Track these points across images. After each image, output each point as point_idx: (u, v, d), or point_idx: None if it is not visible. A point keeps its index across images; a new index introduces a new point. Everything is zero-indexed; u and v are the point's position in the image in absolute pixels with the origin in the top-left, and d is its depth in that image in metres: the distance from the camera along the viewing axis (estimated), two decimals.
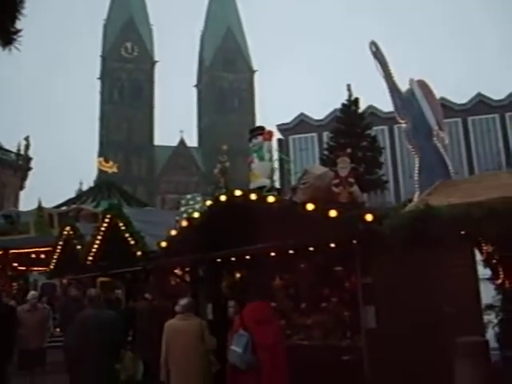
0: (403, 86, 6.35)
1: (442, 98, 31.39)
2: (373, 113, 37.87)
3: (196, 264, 8.85)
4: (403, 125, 6.36)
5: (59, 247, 12.72)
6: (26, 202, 48.75)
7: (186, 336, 6.65)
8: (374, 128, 31.93)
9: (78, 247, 11.71)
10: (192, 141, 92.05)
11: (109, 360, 7.05)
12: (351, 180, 6.64)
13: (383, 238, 5.77)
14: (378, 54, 6.17)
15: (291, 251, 7.26)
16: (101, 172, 41.85)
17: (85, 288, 12.67)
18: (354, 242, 6.16)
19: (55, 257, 12.94)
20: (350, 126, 29.25)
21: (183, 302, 7.00)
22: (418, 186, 5.99)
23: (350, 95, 30.27)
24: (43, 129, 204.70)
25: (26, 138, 50.66)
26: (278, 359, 6.04)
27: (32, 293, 9.91)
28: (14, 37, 1.82)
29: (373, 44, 6.25)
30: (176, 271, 9.55)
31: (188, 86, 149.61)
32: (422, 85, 6.28)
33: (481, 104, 43.69)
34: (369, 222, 5.88)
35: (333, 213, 6.01)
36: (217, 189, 10.69)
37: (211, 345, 6.81)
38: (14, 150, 50.12)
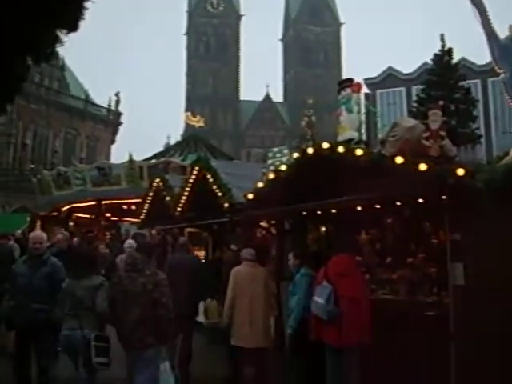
0: (502, 34, 6.03)
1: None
2: (465, 66, 36.09)
3: (282, 216, 8.94)
4: (501, 75, 6.06)
5: (149, 198, 13.13)
6: (117, 155, 50.74)
7: (253, 282, 7.16)
8: (467, 81, 30.47)
9: (167, 198, 12.03)
10: (277, 95, 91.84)
11: (192, 302, 7.51)
12: (442, 133, 6.42)
13: (476, 192, 5.60)
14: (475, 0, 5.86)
15: (378, 205, 7.18)
16: (188, 126, 42.55)
17: (173, 238, 13.16)
18: (444, 197, 6.01)
19: (145, 208, 13.38)
20: (442, 78, 28.03)
21: (249, 250, 7.45)
22: None
23: (444, 45, 28.91)
24: (133, 85, 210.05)
25: (117, 94, 52.37)
26: (360, 311, 6.14)
27: (128, 241, 9.81)
28: None
29: None
30: (262, 223, 9.67)
31: (273, 40, 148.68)
32: None
33: None
34: (460, 176, 5.70)
35: (422, 166, 5.86)
36: (303, 141, 10.64)
37: (273, 290, 7.51)
38: (105, 105, 51.95)
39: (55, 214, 26.18)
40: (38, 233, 7.00)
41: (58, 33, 1.94)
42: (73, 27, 1.92)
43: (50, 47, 2.01)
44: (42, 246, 6.53)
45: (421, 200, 6.47)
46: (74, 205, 24.74)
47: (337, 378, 6.22)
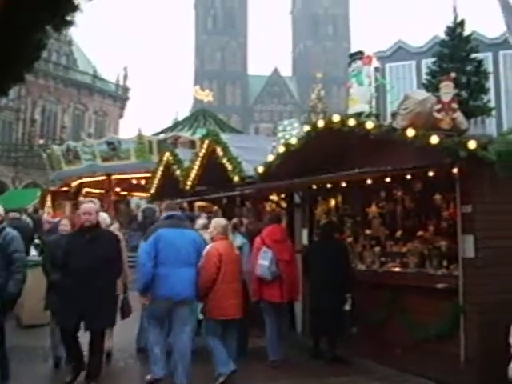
0: None
1: None
2: (476, 39, 35.61)
3: (292, 190, 8.95)
4: None
5: (159, 172, 13.14)
6: (126, 130, 50.77)
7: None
8: (478, 54, 30.05)
9: (177, 173, 12.04)
10: (286, 70, 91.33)
11: None
12: (454, 106, 6.38)
13: (488, 164, 5.58)
14: None
15: (388, 179, 7.17)
16: (196, 101, 42.44)
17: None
18: (455, 170, 6.00)
19: (155, 182, 13.40)
20: (454, 50, 27.63)
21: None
22: None
23: (456, 17, 28.48)
24: (141, 60, 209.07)
25: (125, 69, 52.22)
26: (294, 271, 7.46)
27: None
28: None
29: None
30: (272, 197, 9.68)
31: (282, 14, 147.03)
32: None
33: None
34: (472, 149, 5.68)
35: (434, 139, 5.84)
36: (314, 114, 10.59)
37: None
38: (114, 80, 51.82)
39: (65, 188, 26.33)
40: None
41: (78, 1, 1.95)
42: None
43: (69, 14, 2.01)
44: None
45: (431, 173, 6.46)
46: (83, 179, 24.87)
47: (275, 330, 7.26)
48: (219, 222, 6.83)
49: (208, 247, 6.43)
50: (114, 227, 8.06)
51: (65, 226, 7.22)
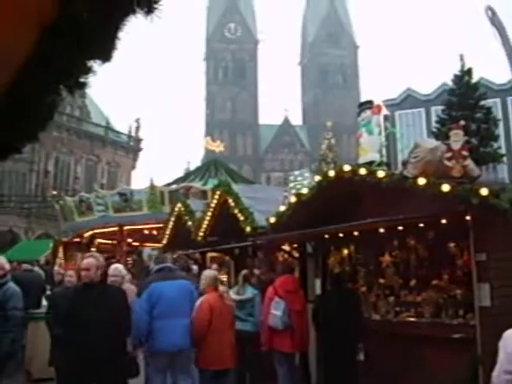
0: None
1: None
2: (484, 85, 35.93)
3: (304, 239, 8.92)
4: None
5: (171, 223, 13.17)
6: (138, 181, 51.24)
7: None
8: (487, 101, 30.29)
9: (189, 223, 12.06)
10: (296, 119, 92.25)
11: None
12: (465, 153, 6.39)
13: (501, 212, 5.55)
14: (494, 20, 5.88)
15: (401, 227, 7.14)
16: (207, 151, 42.83)
17: (196, 263, 13.18)
18: (468, 217, 5.97)
19: (167, 232, 13.41)
20: (462, 98, 27.91)
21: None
22: None
23: (463, 65, 28.85)
24: (153, 110, 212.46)
25: (137, 120, 53.00)
26: (305, 322, 7.58)
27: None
28: (156, 5, 1.92)
29: (489, 9, 5.96)
30: (284, 247, 9.64)
31: (291, 64, 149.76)
32: None
33: None
34: (484, 196, 5.66)
35: (445, 187, 5.84)
36: (324, 164, 10.68)
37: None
38: (126, 131, 52.58)
39: (77, 239, 26.37)
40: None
41: (92, 63, 2.00)
42: (107, 58, 1.96)
43: (83, 77, 2.06)
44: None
45: (444, 221, 6.43)
46: (96, 230, 24.90)
47: (288, 381, 7.47)
48: (208, 274, 7.13)
49: (199, 300, 6.65)
50: (127, 278, 8.05)
51: (70, 277, 7.15)
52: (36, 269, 13.83)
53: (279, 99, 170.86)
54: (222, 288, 8.31)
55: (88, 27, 1.86)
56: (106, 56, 2.15)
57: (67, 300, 5.71)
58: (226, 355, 6.52)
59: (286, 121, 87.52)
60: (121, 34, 2.05)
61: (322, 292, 8.62)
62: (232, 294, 8.42)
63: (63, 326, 5.67)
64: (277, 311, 7.24)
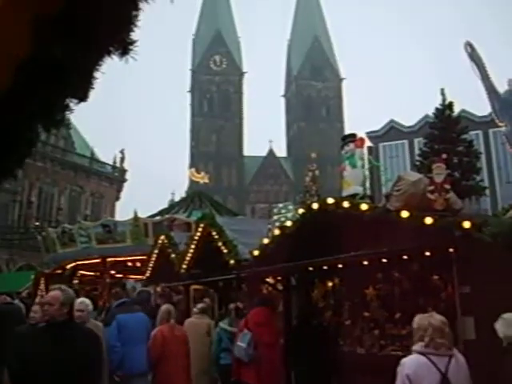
0: (501, 88, 6.13)
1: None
2: (466, 117, 36.48)
3: (288, 272, 8.87)
4: (502, 128, 6.12)
5: (154, 255, 13.08)
6: (122, 212, 50.98)
7: (199, 330, 8.69)
8: (469, 133, 30.73)
9: (173, 256, 11.99)
10: (281, 150, 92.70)
11: None
12: (447, 186, 6.44)
13: (484, 245, 5.57)
14: (474, 55, 5.98)
15: (385, 260, 7.13)
16: (192, 183, 42.83)
17: (178, 295, 13.03)
18: (451, 249, 5.98)
19: (150, 265, 13.31)
20: (444, 131, 28.29)
21: (200, 305, 9.26)
22: None
23: (444, 99, 29.32)
24: (137, 142, 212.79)
25: (121, 151, 52.94)
26: (275, 355, 7.60)
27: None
28: (131, 47, 1.93)
29: (468, 45, 6.07)
30: (268, 279, 9.59)
31: (276, 96, 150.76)
32: None
33: None
34: (467, 229, 5.69)
35: (428, 220, 5.87)
36: (308, 196, 10.71)
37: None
38: (110, 162, 52.46)
39: (60, 271, 26.03)
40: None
41: (68, 102, 1.99)
42: (83, 97, 1.96)
43: (59, 115, 2.05)
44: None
45: (428, 253, 6.43)
46: (78, 262, 24.60)
47: None
48: (163, 308, 7.62)
49: (154, 331, 7.33)
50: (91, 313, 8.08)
51: (35, 313, 6.23)
52: (16, 302, 13.56)
53: (264, 131, 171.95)
54: (207, 320, 9.02)
55: (64, 68, 1.86)
56: (82, 95, 2.15)
57: (15, 348, 4.32)
58: (178, 379, 7.03)
59: (271, 152, 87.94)
60: (97, 74, 2.06)
61: (293, 327, 8.62)
62: (225, 326, 8.76)
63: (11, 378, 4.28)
64: (242, 343, 7.36)
